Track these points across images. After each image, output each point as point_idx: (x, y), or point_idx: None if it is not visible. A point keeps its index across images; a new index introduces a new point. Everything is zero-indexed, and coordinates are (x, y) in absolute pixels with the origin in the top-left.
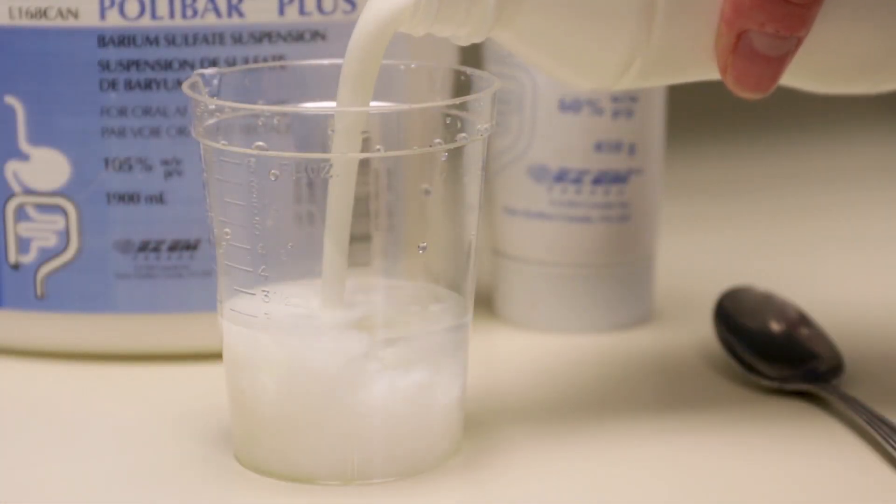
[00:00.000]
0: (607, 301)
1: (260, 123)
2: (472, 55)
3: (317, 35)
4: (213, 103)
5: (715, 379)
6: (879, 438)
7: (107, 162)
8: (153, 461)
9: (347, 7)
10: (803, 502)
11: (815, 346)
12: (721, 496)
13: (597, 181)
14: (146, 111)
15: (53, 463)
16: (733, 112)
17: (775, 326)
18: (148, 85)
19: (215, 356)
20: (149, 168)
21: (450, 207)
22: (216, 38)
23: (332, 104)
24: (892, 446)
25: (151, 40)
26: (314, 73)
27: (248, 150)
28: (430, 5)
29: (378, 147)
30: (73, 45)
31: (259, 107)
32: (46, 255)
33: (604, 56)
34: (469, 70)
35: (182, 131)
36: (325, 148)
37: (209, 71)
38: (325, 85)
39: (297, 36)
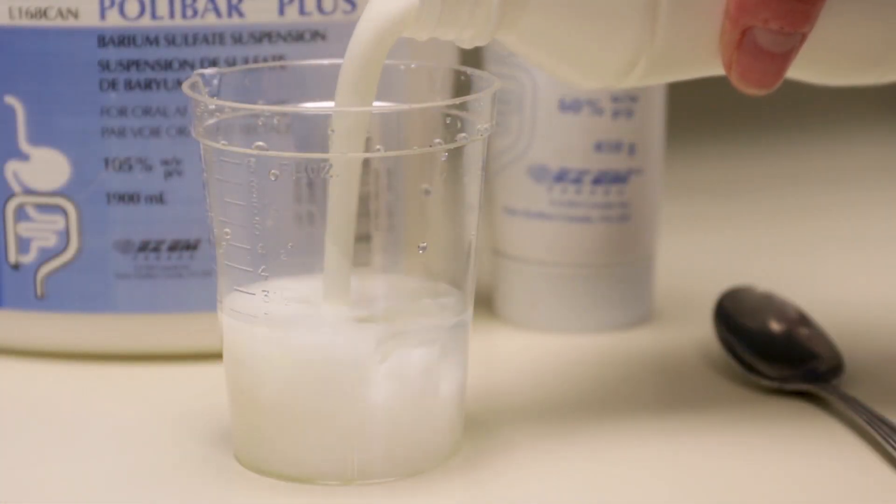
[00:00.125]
0: (607, 301)
1: (260, 123)
2: (472, 55)
3: (317, 35)
4: (213, 103)
5: (715, 379)
6: (879, 438)
7: (107, 162)
8: (153, 461)
9: (347, 7)
10: (803, 502)
11: (815, 346)
12: (721, 496)
13: (597, 181)
14: (146, 111)
15: (53, 463)
16: (733, 112)
17: (775, 326)
18: (148, 85)
19: (215, 356)
20: (149, 168)
21: (450, 207)
22: (216, 38)
23: (333, 104)
24: (892, 446)
25: (151, 40)
26: (314, 73)
27: (248, 150)
28: (433, 10)
29: (378, 147)
30: (73, 45)
31: (259, 107)
32: (46, 255)
33: (608, 56)
34: (469, 70)
35: (182, 131)
36: (325, 148)
37: (209, 71)
38: (325, 85)
39: (297, 36)
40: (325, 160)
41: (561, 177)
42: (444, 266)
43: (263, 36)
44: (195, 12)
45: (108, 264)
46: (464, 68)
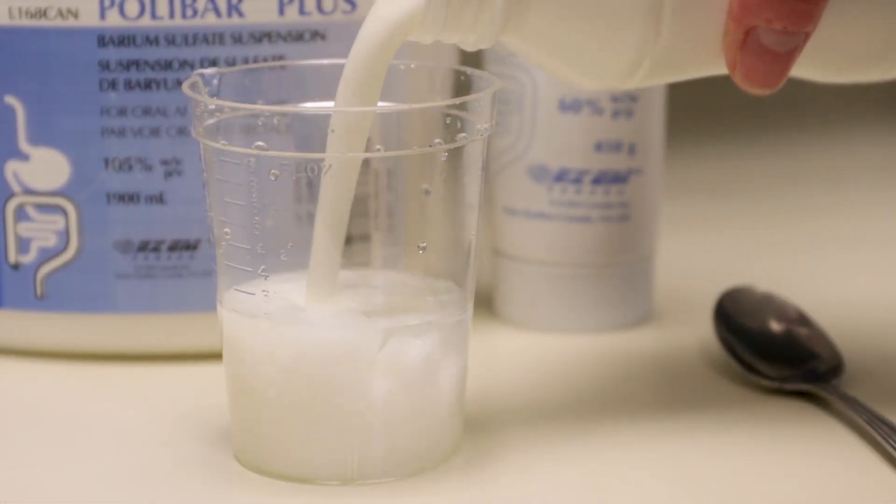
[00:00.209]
0: (607, 301)
1: (260, 123)
2: (472, 55)
3: (317, 35)
4: (212, 103)
5: (715, 379)
6: (879, 438)
7: (107, 162)
8: (153, 461)
9: (347, 7)
10: (803, 502)
11: (815, 346)
12: (721, 496)
13: (597, 181)
14: (146, 111)
15: (53, 463)
16: (733, 112)
17: (775, 326)
18: (148, 85)
19: (215, 356)
20: (149, 168)
21: (450, 207)
22: (216, 38)
23: (332, 104)
24: (892, 446)
25: (151, 40)
26: (314, 73)
27: (248, 150)
28: (438, 13)
29: (378, 147)
30: (73, 45)
31: (259, 107)
32: (46, 255)
33: (613, 57)
34: (469, 70)
35: (182, 131)
36: (325, 148)
37: (209, 71)
38: (325, 85)
39: (297, 36)
40: (325, 161)
41: (561, 177)
42: (444, 266)
43: (263, 36)
44: (195, 12)
45: (108, 264)
46: (464, 68)
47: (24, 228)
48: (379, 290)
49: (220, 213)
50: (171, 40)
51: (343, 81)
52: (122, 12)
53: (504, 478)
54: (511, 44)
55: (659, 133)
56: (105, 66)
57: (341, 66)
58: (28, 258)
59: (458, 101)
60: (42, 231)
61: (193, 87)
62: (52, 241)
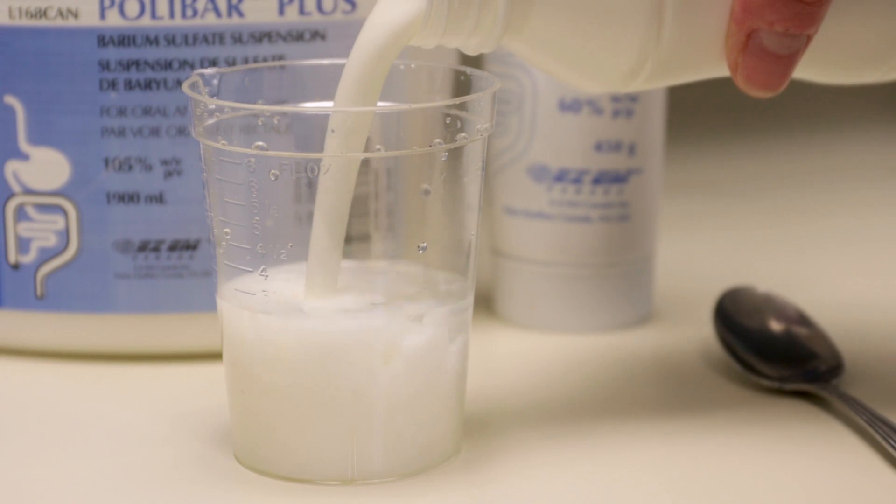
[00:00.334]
0: (607, 301)
1: (260, 123)
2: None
3: (317, 35)
4: (212, 103)
5: (715, 379)
6: (879, 438)
7: (107, 162)
8: (153, 461)
9: (347, 7)
10: (803, 502)
11: (815, 346)
12: (721, 496)
13: (597, 181)
14: (146, 111)
15: (53, 463)
16: (733, 112)
17: (775, 326)
18: (148, 85)
19: (215, 356)
20: (149, 168)
21: (450, 207)
22: (216, 38)
23: (332, 104)
24: (892, 446)
25: (151, 40)
26: (314, 73)
27: (248, 150)
28: (439, 18)
29: (378, 147)
30: (73, 45)
31: (259, 107)
32: (46, 255)
33: (614, 60)
34: (469, 70)
35: (182, 131)
36: (324, 148)
37: (209, 71)
38: (325, 85)
39: (297, 36)
40: (324, 160)
41: (561, 177)
42: (444, 266)
43: (263, 36)
44: (195, 12)
45: (107, 264)
46: (464, 68)
47: (24, 228)
48: (379, 282)
49: (220, 213)
50: (171, 40)
51: (342, 86)
52: (122, 12)
53: (504, 478)
54: (513, 47)
55: (659, 133)
56: (105, 66)
57: (341, 66)
58: (28, 258)
59: (458, 101)
60: (42, 231)
61: (193, 87)
62: (52, 241)
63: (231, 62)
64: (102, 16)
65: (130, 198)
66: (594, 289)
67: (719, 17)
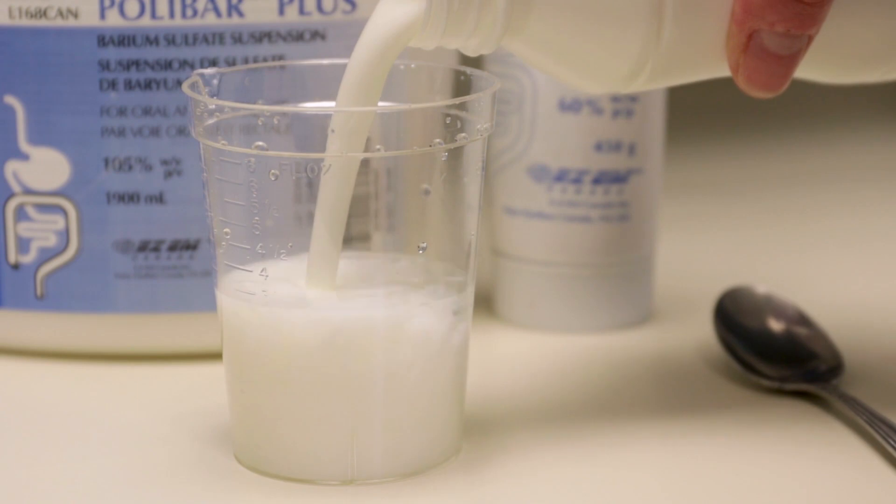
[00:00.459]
0: (607, 301)
1: (260, 123)
2: None
3: (317, 35)
4: (212, 103)
5: (715, 379)
6: (879, 438)
7: (107, 162)
8: (153, 461)
9: (347, 7)
10: (803, 502)
11: (815, 346)
12: (722, 496)
13: (597, 181)
14: (146, 111)
15: (53, 463)
16: (733, 112)
17: (775, 326)
18: (148, 85)
19: (215, 356)
20: (149, 168)
21: (450, 207)
22: (216, 38)
23: (332, 104)
24: (892, 446)
25: (151, 40)
26: (314, 73)
27: (248, 150)
28: (439, 19)
29: (378, 147)
30: (73, 45)
31: (259, 107)
32: (46, 255)
33: (614, 61)
34: (469, 70)
35: (182, 131)
36: (325, 148)
37: (209, 71)
38: (325, 85)
39: (297, 36)
40: (325, 160)
41: (561, 177)
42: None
43: (263, 36)
44: (195, 12)
45: (107, 264)
46: (464, 68)
47: (24, 228)
48: (379, 273)
49: (220, 213)
50: (171, 40)
51: (343, 87)
52: (122, 12)
53: (504, 478)
54: (512, 48)
55: (659, 133)
56: (105, 66)
57: (341, 66)
58: (28, 258)
59: (458, 101)
60: (42, 231)
61: (193, 87)
62: (52, 241)
63: (231, 62)
64: (102, 16)
65: (130, 198)
66: (594, 289)
67: (720, 18)
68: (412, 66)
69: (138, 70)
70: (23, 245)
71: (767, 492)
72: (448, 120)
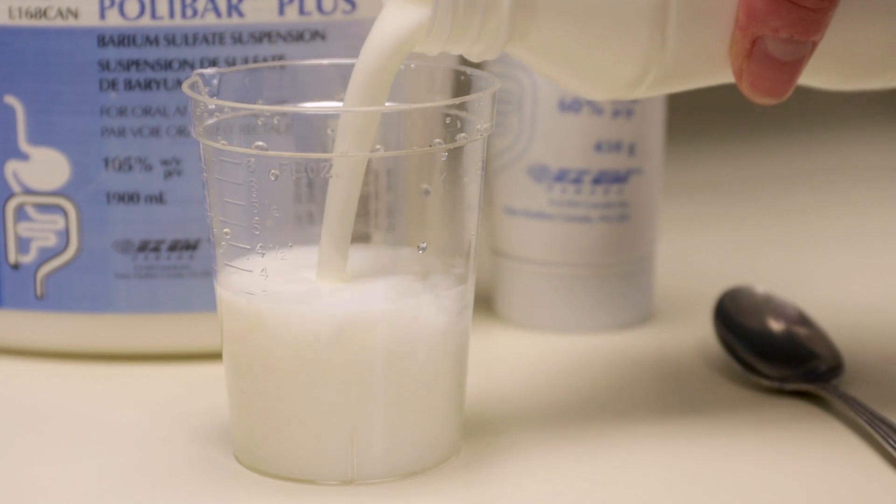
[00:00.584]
0: (607, 301)
1: (260, 123)
2: None
3: (317, 35)
4: (212, 103)
5: (715, 379)
6: (879, 438)
7: (107, 162)
8: (153, 461)
9: (347, 7)
10: (803, 502)
11: (815, 346)
12: (721, 497)
13: (596, 181)
14: (146, 111)
15: (53, 463)
16: (733, 112)
17: (775, 326)
18: (148, 85)
19: (215, 356)
20: (149, 168)
21: (450, 207)
22: (216, 38)
23: (332, 104)
24: (892, 446)
25: (151, 40)
26: (314, 73)
27: (248, 150)
28: (443, 25)
29: (378, 147)
30: (73, 45)
31: (259, 107)
32: (46, 255)
33: (619, 67)
34: (469, 70)
35: (182, 131)
36: (325, 148)
37: (209, 71)
38: (325, 85)
39: (297, 36)
40: (325, 160)
41: (561, 177)
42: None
43: (263, 36)
44: (195, 12)
45: (107, 264)
46: (464, 68)
47: (24, 228)
48: (379, 269)
49: (220, 213)
50: (171, 40)
51: (349, 93)
52: (122, 12)
53: (504, 478)
54: (516, 54)
55: (659, 133)
56: (105, 66)
57: (341, 66)
58: (28, 258)
59: (458, 101)
60: (42, 231)
61: (193, 87)
62: (52, 241)
63: (231, 62)
64: (102, 16)
65: (130, 198)
66: (594, 289)
67: (724, 24)
68: (412, 66)
69: (138, 70)
70: (23, 245)
71: (767, 492)
72: (448, 120)
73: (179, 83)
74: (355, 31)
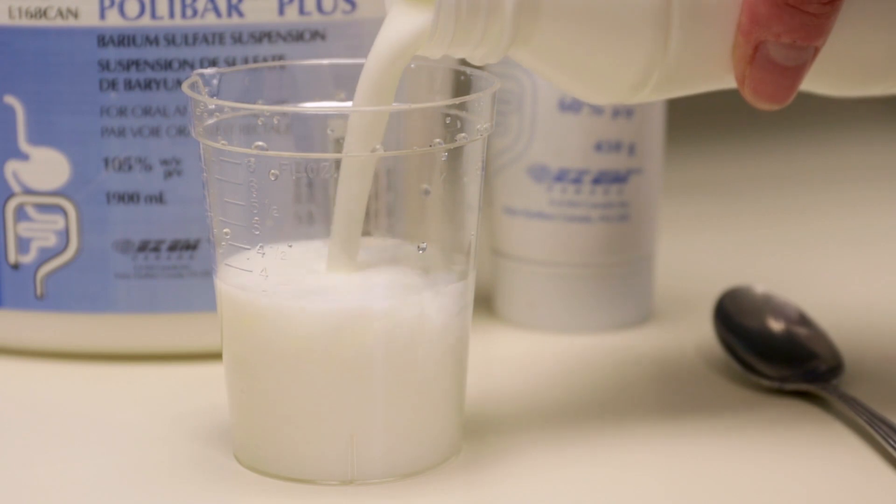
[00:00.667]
0: (607, 301)
1: (260, 123)
2: None
3: (317, 35)
4: (212, 103)
5: (715, 379)
6: (879, 438)
7: (107, 162)
8: (152, 461)
9: (347, 7)
10: (803, 502)
11: (815, 346)
12: (721, 496)
13: (596, 181)
14: (146, 111)
15: (53, 463)
16: (733, 112)
17: (775, 326)
18: (148, 85)
19: (215, 356)
20: (148, 168)
21: (450, 207)
22: (216, 38)
23: (332, 104)
24: (892, 446)
25: (151, 40)
26: (314, 73)
27: (248, 150)
28: (446, 29)
29: (378, 147)
30: (73, 45)
31: (259, 107)
32: (46, 255)
33: (621, 71)
34: (469, 70)
35: (182, 131)
36: (324, 148)
37: (209, 71)
38: (325, 85)
39: (297, 36)
40: (325, 160)
41: (561, 177)
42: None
43: (263, 36)
44: (195, 12)
45: (107, 264)
46: (464, 68)
47: (24, 228)
48: (379, 265)
49: (220, 213)
50: (171, 40)
51: (356, 95)
52: (122, 12)
53: (504, 478)
54: (519, 57)
55: (659, 133)
56: (105, 66)
57: (341, 66)
58: (28, 258)
59: (458, 101)
60: (42, 231)
61: (193, 87)
62: (52, 241)
63: (231, 62)
64: (102, 16)
65: (130, 198)
66: (594, 289)
67: (726, 29)
68: (412, 66)
69: (138, 70)
70: (23, 245)
71: (767, 492)
72: (448, 120)
73: (179, 83)
74: (355, 31)
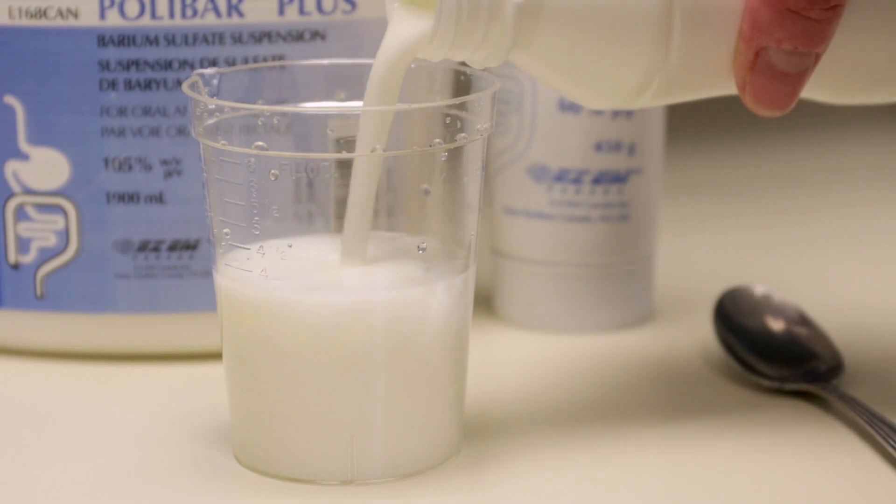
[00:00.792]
0: (607, 301)
1: (260, 123)
2: None
3: (317, 35)
4: (212, 103)
5: (715, 379)
6: (879, 438)
7: (107, 162)
8: (153, 461)
9: (347, 7)
10: (803, 502)
11: (815, 346)
12: (721, 497)
13: (596, 181)
14: (146, 111)
15: (53, 463)
16: (733, 112)
17: (775, 326)
18: (148, 85)
19: (215, 356)
20: (148, 168)
21: (450, 207)
22: (216, 38)
23: (332, 104)
24: (892, 446)
25: (151, 40)
26: (314, 73)
27: (248, 150)
28: (447, 32)
29: (377, 147)
30: (73, 45)
31: (259, 107)
32: (46, 255)
33: (622, 76)
34: (469, 70)
35: (182, 131)
36: (324, 148)
37: (209, 71)
38: (325, 85)
39: (297, 36)
40: (325, 160)
41: (561, 177)
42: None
43: (263, 36)
44: (195, 12)
45: (107, 264)
46: (464, 68)
47: (24, 228)
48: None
49: (220, 212)
50: (171, 40)
51: (365, 97)
52: (122, 12)
53: (504, 478)
54: (519, 61)
55: (659, 133)
56: (105, 66)
57: (341, 66)
58: (28, 258)
59: (458, 101)
60: (42, 231)
61: (193, 87)
62: (52, 241)
63: (231, 62)
64: (102, 16)
65: (130, 198)
66: (594, 289)
67: (727, 35)
68: (412, 65)
69: (138, 70)
70: (23, 245)
71: (767, 492)
72: (448, 120)
73: (179, 83)
74: (355, 31)
